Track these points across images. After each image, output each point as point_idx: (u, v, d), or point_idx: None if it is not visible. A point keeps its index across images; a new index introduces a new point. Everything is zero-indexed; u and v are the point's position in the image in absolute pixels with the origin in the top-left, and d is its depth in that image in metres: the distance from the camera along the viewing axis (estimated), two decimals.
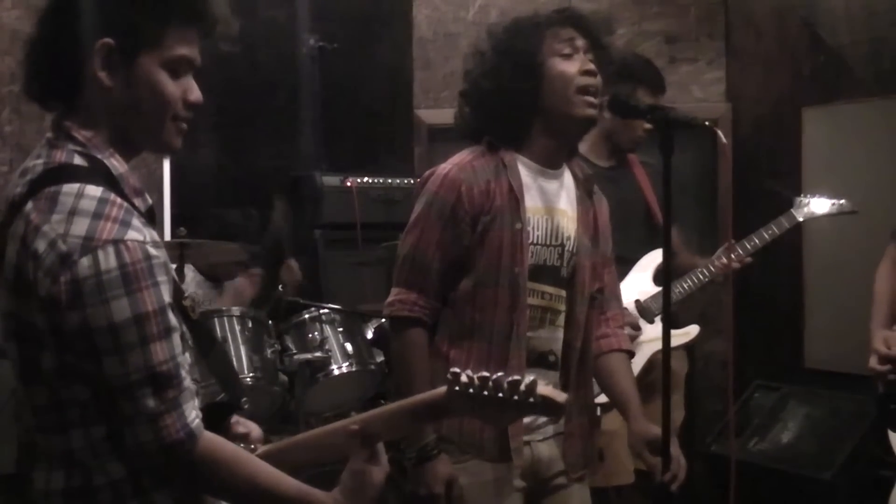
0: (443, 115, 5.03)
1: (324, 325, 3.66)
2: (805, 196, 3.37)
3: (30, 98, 1.57)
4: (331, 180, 4.49)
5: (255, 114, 4.79)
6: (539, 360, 2.30)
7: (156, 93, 1.51)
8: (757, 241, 3.25)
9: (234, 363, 3.43)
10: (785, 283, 4.37)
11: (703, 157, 4.79)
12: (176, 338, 1.45)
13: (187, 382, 1.46)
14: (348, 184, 4.50)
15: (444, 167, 2.30)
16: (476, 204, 2.23)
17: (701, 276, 3.21)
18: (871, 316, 2.97)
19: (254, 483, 1.49)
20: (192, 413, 1.46)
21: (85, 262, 1.38)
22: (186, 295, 1.57)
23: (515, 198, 2.25)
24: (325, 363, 3.57)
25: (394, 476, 3.59)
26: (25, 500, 1.54)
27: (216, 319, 3.52)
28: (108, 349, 1.40)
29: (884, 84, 4.14)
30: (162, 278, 1.43)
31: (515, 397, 1.43)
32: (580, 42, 2.27)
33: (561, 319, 2.32)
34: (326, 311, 3.71)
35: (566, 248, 2.32)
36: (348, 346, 3.64)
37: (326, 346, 3.60)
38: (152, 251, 1.43)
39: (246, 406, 1.66)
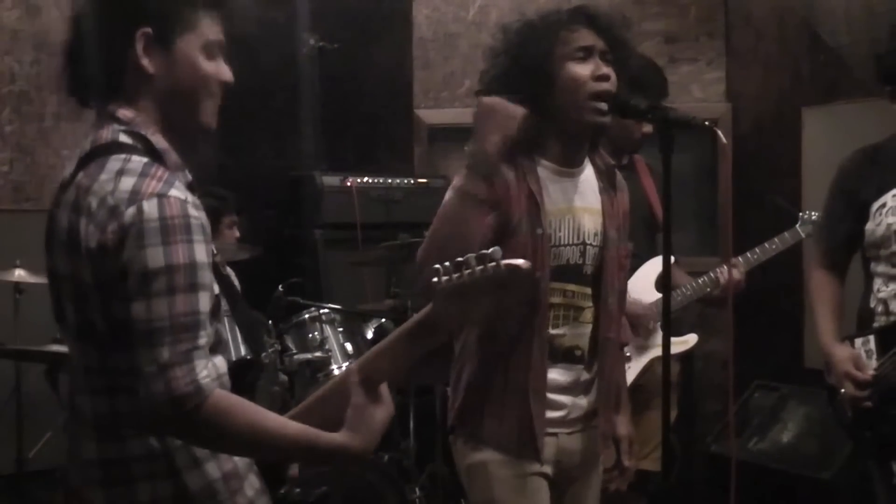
0: (443, 115, 5.04)
1: (324, 325, 3.67)
2: (807, 212, 3.36)
3: (73, 95, 1.66)
4: (331, 180, 4.49)
5: (255, 114, 4.79)
6: (566, 356, 2.33)
7: (195, 72, 1.61)
8: (759, 254, 3.25)
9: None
10: (785, 283, 4.37)
11: (703, 157, 4.80)
12: (203, 296, 1.51)
13: (204, 341, 1.50)
14: (348, 184, 4.50)
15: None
16: (496, 197, 2.23)
17: (702, 285, 3.18)
18: (819, 329, 2.80)
19: (260, 428, 1.51)
20: (204, 371, 1.48)
21: (131, 210, 1.48)
22: (216, 252, 1.62)
23: (536, 203, 2.25)
24: (325, 363, 3.57)
25: (394, 476, 3.60)
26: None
27: None
28: (138, 293, 1.47)
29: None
30: (198, 238, 1.51)
31: (484, 270, 1.49)
32: (596, 43, 2.24)
33: (585, 315, 2.35)
34: (326, 311, 3.71)
35: (588, 245, 2.33)
36: (348, 346, 3.64)
37: (326, 346, 3.60)
38: (192, 211, 1.51)
39: (266, 360, 1.69)
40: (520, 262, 1.49)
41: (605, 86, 2.23)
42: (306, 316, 3.70)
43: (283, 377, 3.54)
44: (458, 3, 5.10)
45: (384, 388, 1.60)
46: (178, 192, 1.52)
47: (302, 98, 4.78)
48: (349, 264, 4.32)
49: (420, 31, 5.13)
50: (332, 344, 3.62)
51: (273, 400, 3.55)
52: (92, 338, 1.56)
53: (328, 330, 3.65)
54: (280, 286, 3.86)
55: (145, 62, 1.59)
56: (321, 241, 4.45)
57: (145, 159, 1.54)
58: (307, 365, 3.54)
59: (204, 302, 1.51)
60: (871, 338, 2.68)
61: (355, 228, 4.38)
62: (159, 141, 1.61)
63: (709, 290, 3.17)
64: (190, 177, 1.66)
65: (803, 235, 3.32)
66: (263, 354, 1.73)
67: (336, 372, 3.57)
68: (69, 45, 1.65)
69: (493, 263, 1.48)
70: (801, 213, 3.37)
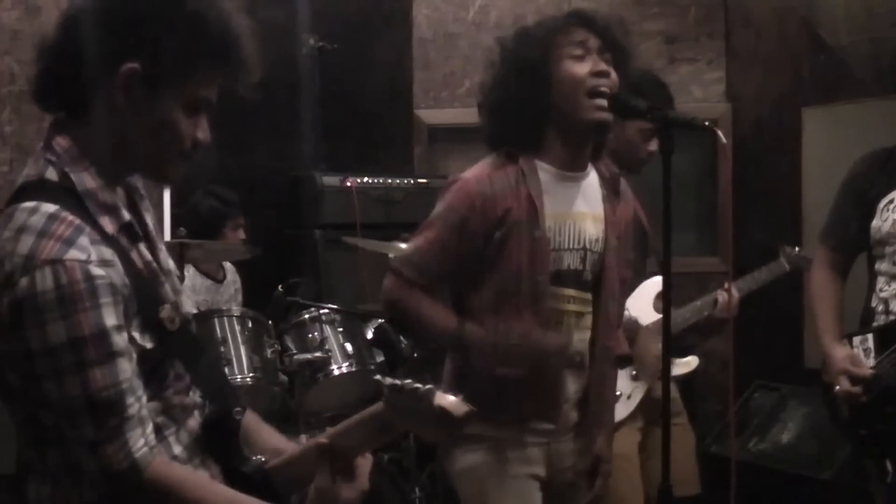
0: (443, 115, 5.04)
1: (324, 325, 3.66)
2: (789, 247, 3.34)
3: (33, 99, 1.53)
4: (331, 180, 4.49)
5: (255, 114, 4.78)
6: (566, 363, 2.30)
7: (168, 128, 1.48)
8: (750, 282, 3.23)
9: (235, 364, 3.43)
10: (785, 283, 4.37)
11: (703, 157, 4.79)
12: (122, 362, 1.40)
13: (134, 409, 1.41)
14: (348, 184, 4.49)
15: (466, 177, 2.28)
16: (490, 218, 2.22)
17: (701, 307, 3.11)
18: (819, 328, 2.82)
19: None
20: (139, 442, 1.41)
21: (24, 282, 1.35)
22: (165, 304, 1.50)
23: (534, 206, 2.24)
24: (325, 363, 3.56)
25: (394, 476, 3.59)
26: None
27: (216, 319, 3.52)
28: (47, 373, 1.36)
29: (884, 84, 4.14)
30: (105, 300, 1.38)
31: (417, 404, 1.33)
32: (592, 43, 2.23)
33: (585, 321, 2.33)
34: (326, 311, 3.71)
35: (588, 251, 2.31)
36: (348, 346, 3.63)
37: (326, 346, 3.59)
38: (95, 271, 1.37)
39: (239, 417, 1.59)
40: (453, 404, 1.32)
41: (603, 81, 2.21)
42: (306, 316, 3.70)
43: (283, 377, 3.54)
44: (458, 3, 5.10)
45: (362, 464, 1.48)
46: (77, 252, 1.36)
47: (302, 98, 4.77)
48: (349, 264, 4.31)
49: (420, 31, 5.13)
50: (332, 344, 3.61)
51: (273, 400, 3.55)
52: (12, 395, 1.45)
53: (328, 330, 3.64)
54: (280, 286, 3.85)
55: (121, 98, 1.44)
56: (321, 241, 4.45)
57: (52, 209, 1.39)
58: (307, 365, 3.54)
59: (124, 368, 1.40)
60: (870, 336, 2.70)
61: (355, 228, 4.38)
62: (86, 180, 1.45)
63: (706, 313, 3.11)
64: (126, 217, 1.50)
65: (787, 268, 3.30)
66: (236, 411, 1.63)
67: (336, 372, 3.58)
68: (52, 44, 1.49)
69: (423, 399, 1.32)
70: (784, 248, 3.35)
